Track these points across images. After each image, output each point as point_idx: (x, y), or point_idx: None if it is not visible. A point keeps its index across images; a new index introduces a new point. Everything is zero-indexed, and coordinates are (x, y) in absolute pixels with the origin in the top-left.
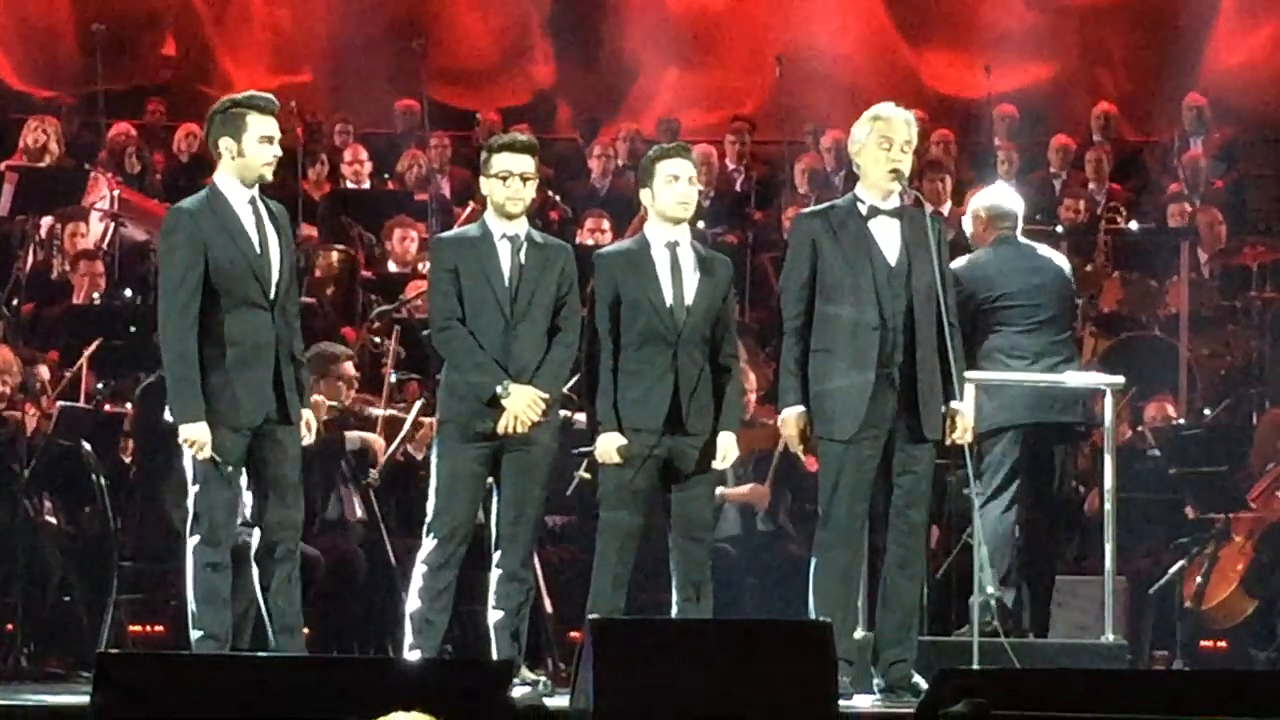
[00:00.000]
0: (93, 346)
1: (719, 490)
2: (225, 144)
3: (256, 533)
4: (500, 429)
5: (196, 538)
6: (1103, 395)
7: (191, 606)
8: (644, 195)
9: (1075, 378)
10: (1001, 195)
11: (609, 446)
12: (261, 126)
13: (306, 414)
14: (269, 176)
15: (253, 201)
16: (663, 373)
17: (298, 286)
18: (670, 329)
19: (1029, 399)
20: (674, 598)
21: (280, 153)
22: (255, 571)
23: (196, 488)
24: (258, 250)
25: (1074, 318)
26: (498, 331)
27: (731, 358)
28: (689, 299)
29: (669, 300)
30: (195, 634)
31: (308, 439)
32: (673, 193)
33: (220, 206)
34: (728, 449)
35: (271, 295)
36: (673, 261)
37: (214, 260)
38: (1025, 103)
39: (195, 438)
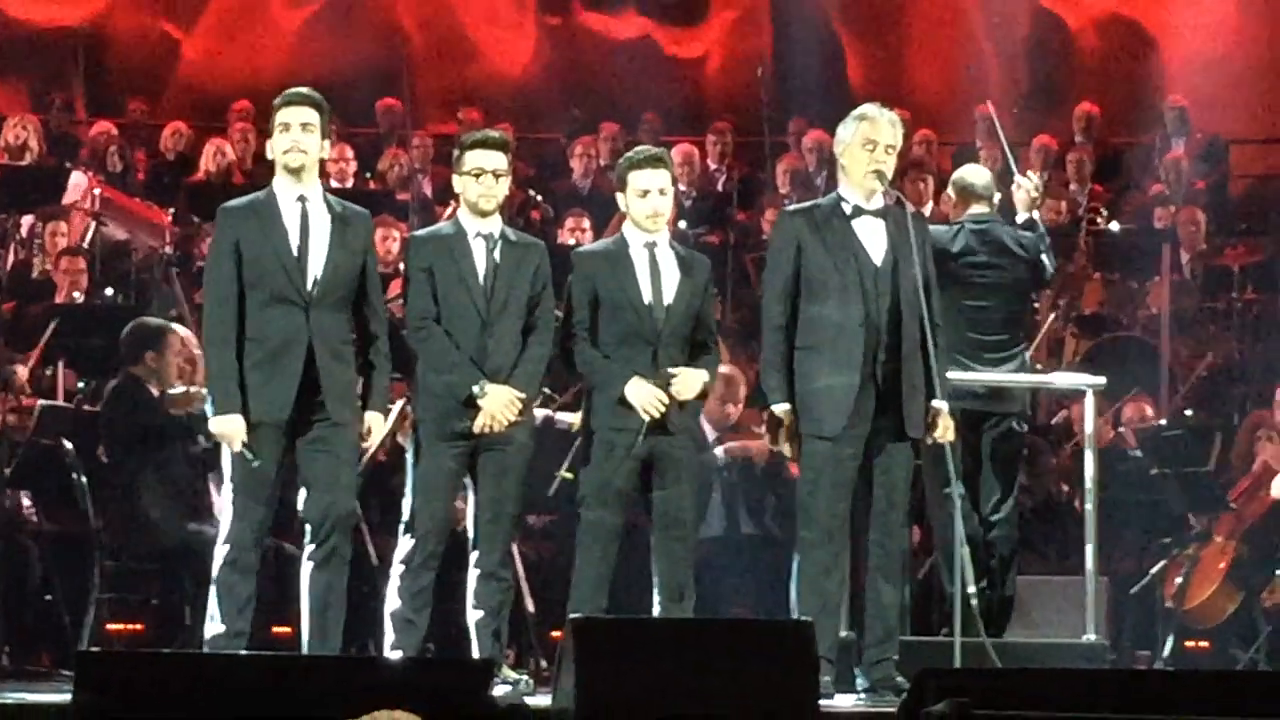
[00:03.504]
0: (48, 332)
1: (719, 449)
2: (269, 144)
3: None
4: (477, 428)
5: (224, 534)
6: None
7: (211, 603)
8: (620, 200)
9: (1057, 378)
10: (977, 173)
11: (636, 391)
12: (281, 115)
13: (372, 416)
14: (292, 164)
15: (302, 200)
16: (642, 372)
17: (378, 288)
18: (650, 329)
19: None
20: (655, 598)
21: (304, 140)
22: (304, 565)
23: (231, 484)
24: (295, 248)
25: (1024, 315)
26: (474, 330)
27: (710, 335)
28: (668, 299)
29: (648, 300)
30: (210, 630)
31: (371, 443)
32: (643, 206)
33: (264, 205)
34: (689, 378)
35: (308, 292)
36: (651, 261)
37: (246, 256)
38: (1007, 102)
39: (225, 430)
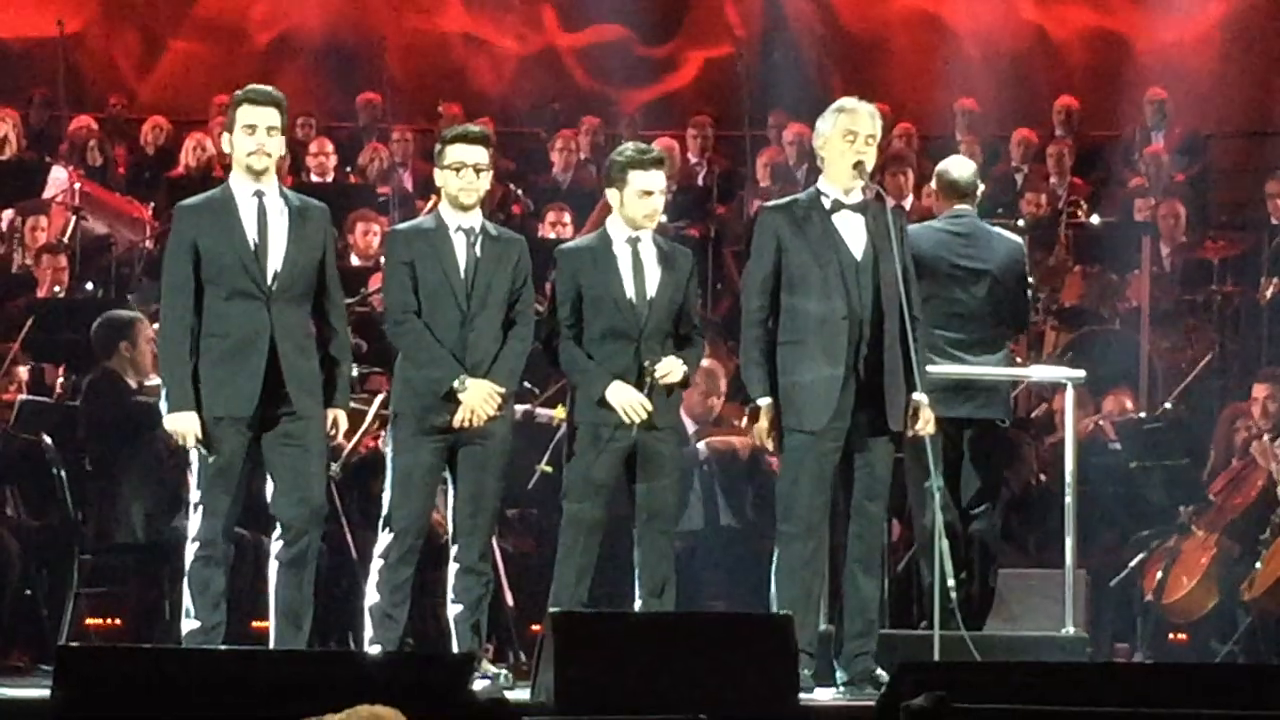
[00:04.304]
0: (25, 329)
1: (701, 444)
2: (225, 139)
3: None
4: (457, 423)
5: (193, 529)
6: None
7: (185, 599)
8: (611, 195)
9: (1037, 371)
10: (960, 167)
11: (618, 394)
12: (245, 116)
13: (335, 413)
14: (256, 166)
15: (259, 195)
16: (626, 368)
17: (337, 281)
18: (632, 324)
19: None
20: (637, 591)
21: (268, 142)
22: (271, 561)
23: (197, 480)
24: (252, 243)
25: (1004, 313)
26: (454, 324)
27: (694, 328)
28: (650, 293)
29: (630, 295)
30: (187, 626)
31: (336, 437)
32: (643, 205)
33: (220, 201)
34: (669, 365)
35: (268, 286)
36: (634, 257)
37: (203, 253)
38: (986, 96)
39: (178, 428)
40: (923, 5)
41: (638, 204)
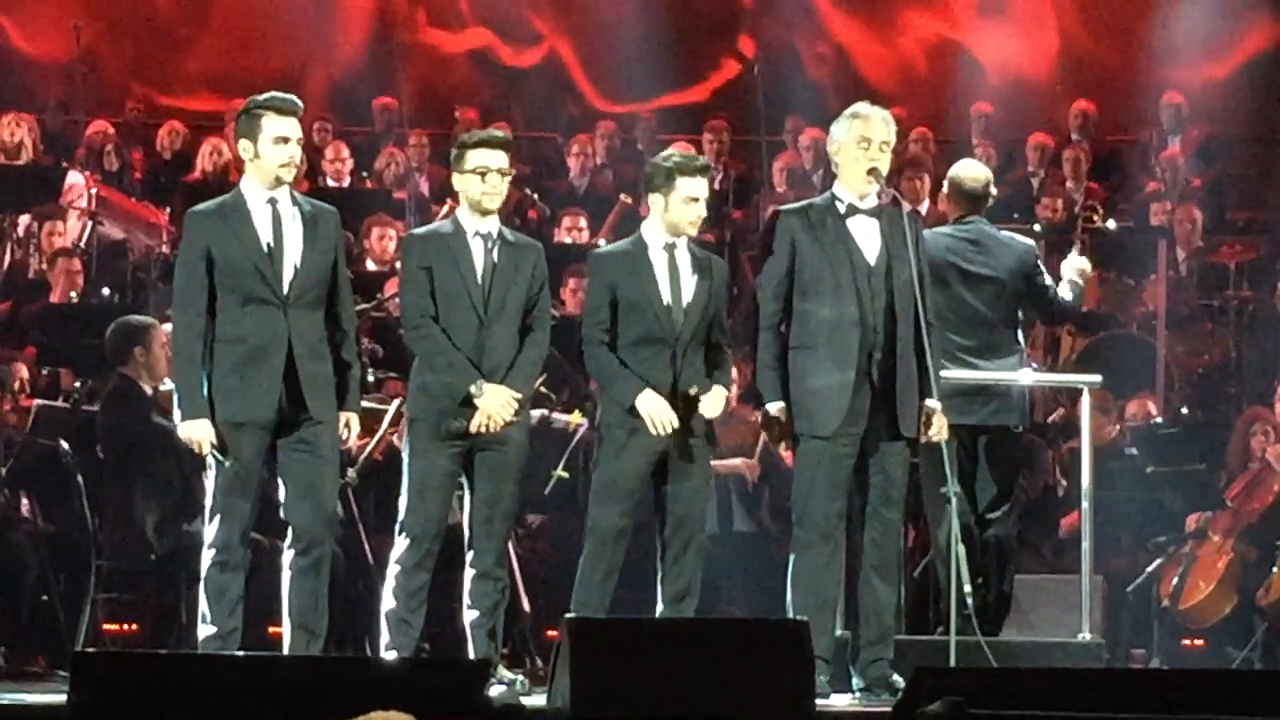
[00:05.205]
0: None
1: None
2: (244, 145)
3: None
4: (474, 428)
5: (210, 535)
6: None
7: (201, 605)
8: (654, 200)
9: (1053, 377)
10: (973, 172)
11: (647, 403)
12: (277, 127)
13: (347, 415)
14: (286, 177)
15: (272, 202)
16: (661, 374)
17: (348, 285)
18: (668, 330)
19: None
20: (659, 594)
21: (298, 153)
22: (284, 569)
23: (214, 485)
24: (267, 249)
25: (1014, 317)
26: (471, 330)
27: (724, 335)
28: (686, 299)
29: (667, 301)
30: (203, 631)
31: (348, 439)
32: (689, 211)
33: (233, 208)
34: (715, 399)
35: (284, 293)
36: (670, 263)
37: (218, 259)
38: (1003, 100)
39: (193, 435)
40: (943, 32)
41: (683, 210)
